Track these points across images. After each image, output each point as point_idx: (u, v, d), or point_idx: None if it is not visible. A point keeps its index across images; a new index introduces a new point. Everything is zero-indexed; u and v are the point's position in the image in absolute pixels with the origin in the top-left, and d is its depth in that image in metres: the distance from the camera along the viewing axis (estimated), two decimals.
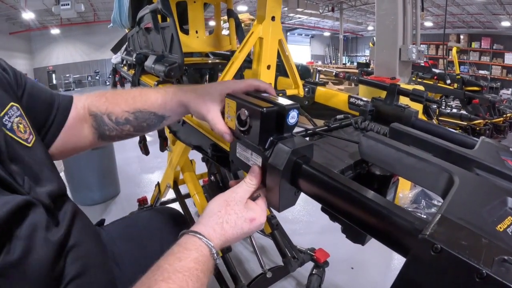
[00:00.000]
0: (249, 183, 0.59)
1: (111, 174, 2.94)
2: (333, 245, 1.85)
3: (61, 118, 0.70)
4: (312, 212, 2.73)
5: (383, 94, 1.07)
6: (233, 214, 0.56)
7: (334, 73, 1.62)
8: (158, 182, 2.07)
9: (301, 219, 2.65)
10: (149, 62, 1.26)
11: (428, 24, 14.46)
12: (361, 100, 1.12)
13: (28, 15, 11.28)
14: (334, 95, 1.30)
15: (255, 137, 0.55)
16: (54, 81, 16.98)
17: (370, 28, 18.81)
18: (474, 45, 14.29)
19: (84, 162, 2.67)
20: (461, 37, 14.37)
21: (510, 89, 13.14)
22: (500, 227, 0.35)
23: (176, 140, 1.57)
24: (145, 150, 1.54)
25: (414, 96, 1.03)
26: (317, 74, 1.43)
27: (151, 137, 3.75)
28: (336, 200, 0.48)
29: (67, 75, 17.17)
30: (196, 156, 1.87)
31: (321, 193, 0.51)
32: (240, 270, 1.79)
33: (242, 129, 0.57)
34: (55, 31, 15.28)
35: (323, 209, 0.69)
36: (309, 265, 1.69)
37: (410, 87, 1.55)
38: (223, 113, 0.64)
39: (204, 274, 0.49)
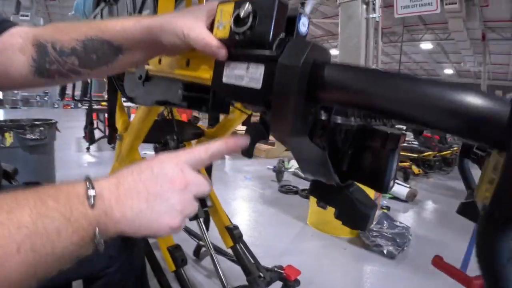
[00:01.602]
0: (204, 152, 0.45)
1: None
2: (297, 267, 1.70)
3: None
4: (271, 236, 2.74)
5: None
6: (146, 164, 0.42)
7: None
8: None
9: (261, 244, 2.52)
10: None
11: None
12: None
13: None
14: None
15: (260, 35, 0.42)
16: (1, 96, 16.40)
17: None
18: None
19: (20, 167, 2.35)
20: None
21: None
22: None
23: (128, 127, 1.35)
24: (90, 137, 1.30)
25: None
26: None
27: (97, 158, 3.50)
28: (387, 98, 0.32)
29: (15, 92, 16.35)
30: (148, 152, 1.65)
31: (360, 95, 0.35)
32: None
33: (240, 30, 0.44)
34: None
35: (311, 191, 0.55)
36: (278, 285, 1.51)
37: None
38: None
39: (57, 205, 0.36)
